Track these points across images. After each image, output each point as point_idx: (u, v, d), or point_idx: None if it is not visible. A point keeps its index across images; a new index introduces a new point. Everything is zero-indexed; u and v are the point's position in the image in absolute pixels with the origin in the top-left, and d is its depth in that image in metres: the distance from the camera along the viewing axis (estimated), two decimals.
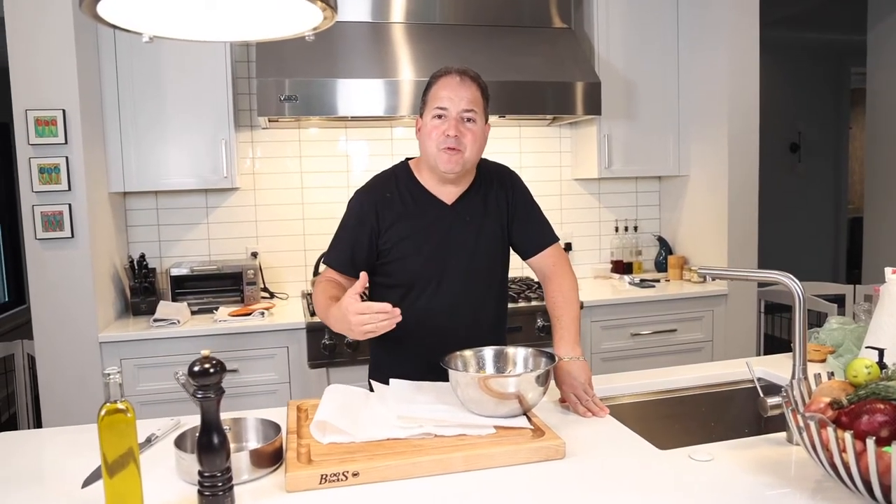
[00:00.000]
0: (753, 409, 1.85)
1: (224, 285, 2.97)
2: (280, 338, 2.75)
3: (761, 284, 3.36)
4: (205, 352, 1.13)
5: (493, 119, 3.25)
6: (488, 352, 1.56)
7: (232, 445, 1.32)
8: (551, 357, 1.49)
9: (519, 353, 1.55)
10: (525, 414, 1.42)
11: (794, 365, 1.35)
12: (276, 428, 1.33)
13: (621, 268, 3.65)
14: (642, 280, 3.39)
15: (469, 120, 1.66)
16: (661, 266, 3.67)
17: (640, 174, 3.49)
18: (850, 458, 1.02)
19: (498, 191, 1.81)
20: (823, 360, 1.91)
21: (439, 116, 1.65)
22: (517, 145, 3.54)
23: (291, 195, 3.29)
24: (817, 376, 1.29)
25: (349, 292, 1.45)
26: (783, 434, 1.39)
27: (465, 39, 3.12)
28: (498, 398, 1.39)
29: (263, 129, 3.21)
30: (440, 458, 1.24)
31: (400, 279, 1.76)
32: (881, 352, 1.34)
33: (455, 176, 1.71)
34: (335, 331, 1.55)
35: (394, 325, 1.42)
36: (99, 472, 1.28)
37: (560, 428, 1.42)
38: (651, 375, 1.86)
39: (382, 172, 1.83)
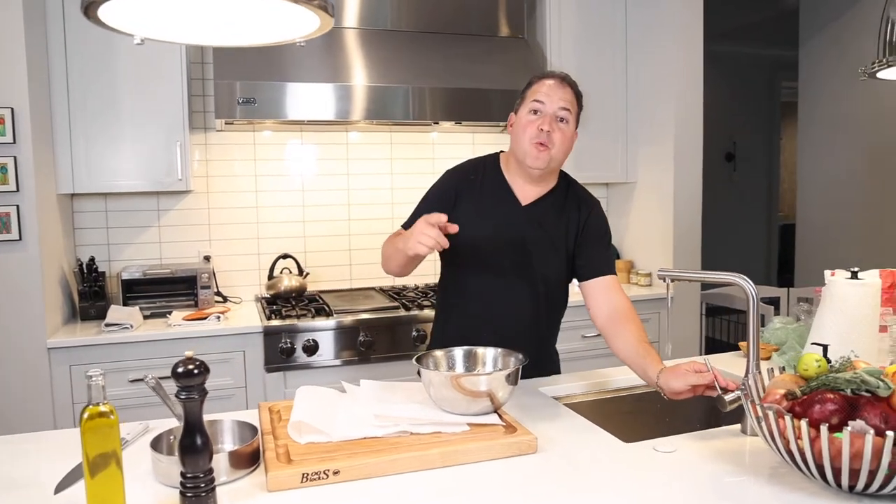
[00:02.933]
0: (705, 404, 1.95)
1: (177, 289, 2.92)
2: (236, 342, 2.72)
3: (704, 287, 3.51)
4: (188, 353, 1.13)
5: (446, 125, 3.31)
6: (458, 351, 1.61)
7: None
8: (520, 356, 1.54)
9: (488, 353, 1.60)
10: (496, 411, 1.47)
11: (748, 361, 1.44)
12: (253, 429, 1.34)
13: None
14: None
15: (562, 120, 1.72)
16: None
17: (590, 181, 3.58)
18: (805, 444, 1.10)
19: (576, 209, 1.84)
20: (768, 358, 2.02)
21: (535, 112, 1.71)
22: (471, 151, 3.58)
23: (245, 198, 3.27)
24: (770, 371, 1.38)
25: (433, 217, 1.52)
26: (738, 426, 1.48)
27: (420, 46, 3.16)
28: (470, 396, 1.43)
29: (218, 131, 3.18)
30: (418, 454, 1.27)
31: (462, 263, 1.81)
32: (825, 347, 1.43)
33: (540, 173, 1.76)
34: (399, 247, 1.64)
35: (440, 243, 1.50)
36: (71, 477, 1.27)
37: (528, 424, 1.47)
38: (609, 374, 1.93)
39: (475, 157, 1.92)
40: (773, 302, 4.12)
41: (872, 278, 1.66)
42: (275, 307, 2.94)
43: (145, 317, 2.83)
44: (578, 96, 1.78)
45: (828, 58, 4.20)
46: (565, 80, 1.76)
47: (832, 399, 1.14)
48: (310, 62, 2.89)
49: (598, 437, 1.44)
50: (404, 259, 1.68)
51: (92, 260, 2.88)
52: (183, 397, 1.11)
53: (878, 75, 1.48)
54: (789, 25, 5.33)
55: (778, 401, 1.21)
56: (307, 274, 3.25)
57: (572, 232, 1.83)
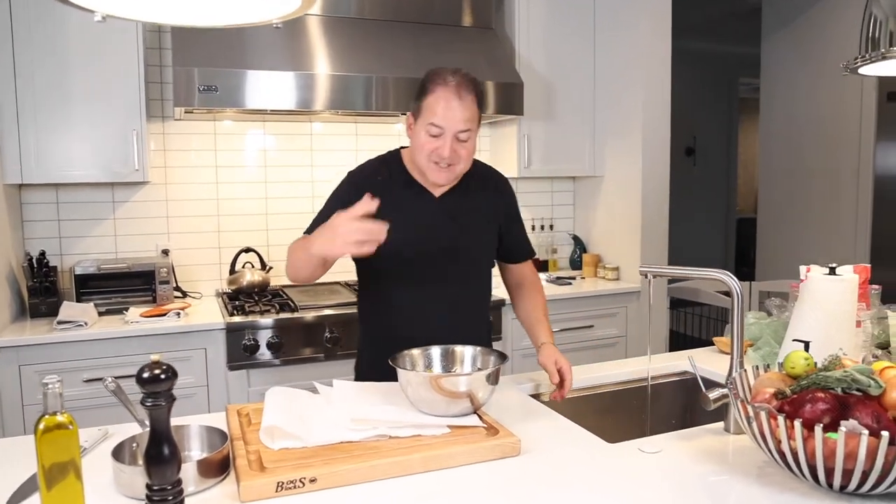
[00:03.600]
0: (681, 400, 1.94)
1: (134, 284, 2.80)
2: (197, 339, 2.62)
3: (670, 282, 3.52)
4: (154, 356, 1.05)
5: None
6: (436, 350, 1.55)
7: None
8: (501, 355, 1.49)
9: (467, 352, 1.55)
10: (476, 412, 1.42)
11: (732, 358, 1.42)
12: (222, 435, 1.27)
13: (538, 265, 3.72)
14: (558, 277, 3.48)
15: (463, 140, 1.63)
16: (575, 264, 3.77)
17: (557, 174, 3.58)
18: (798, 444, 1.08)
19: (494, 194, 1.83)
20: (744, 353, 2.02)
21: (434, 135, 1.61)
22: None
23: (205, 190, 3.15)
24: (756, 369, 1.36)
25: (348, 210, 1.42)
26: (720, 424, 1.46)
27: (386, 35, 3.08)
28: (449, 397, 1.38)
29: (176, 120, 3.06)
30: (398, 459, 1.22)
31: (383, 267, 1.71)
32: (807, 344, 1.42)
33: (443, 186, 1.73)
34: (313, 252, 1.48)
35: (380, 239, 1.40)
36: (25, 489, 1.18)
37: (509, 425, 1.42)
38: (583, 372, 1.90)
39: (375, 157, 1.82)
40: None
41: (849, 274, 1.65)
42: (237, 303, 2.84)
43: (100, 313, 2.70)
44: (479, 98, 1.67)
45: (789, 54, 4.25)
46: (465, 89, 1.61)
47: (823, 398, 1.13)
48: (272, 49, 2.79)
49: (581, 438, 1.41)
50: (317, 263, 1.58)
51: (42, 254, 2.74)
52: (149, 404, 1.03)
53: (860, 71, 1.47)
54: (749, 23, 5.40)
55: (767, 400, 1.19)
56: (270, 268, 3.16)
57: (491, 213, 1.81)
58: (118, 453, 1.19)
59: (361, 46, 2.99)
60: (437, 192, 1.75)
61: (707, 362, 1.93)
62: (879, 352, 1.83)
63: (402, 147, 1.82)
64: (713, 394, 1.39)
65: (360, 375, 1.85)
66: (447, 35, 3.21)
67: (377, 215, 1.66)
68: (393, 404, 1.45)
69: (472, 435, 1.33)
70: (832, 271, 1.63)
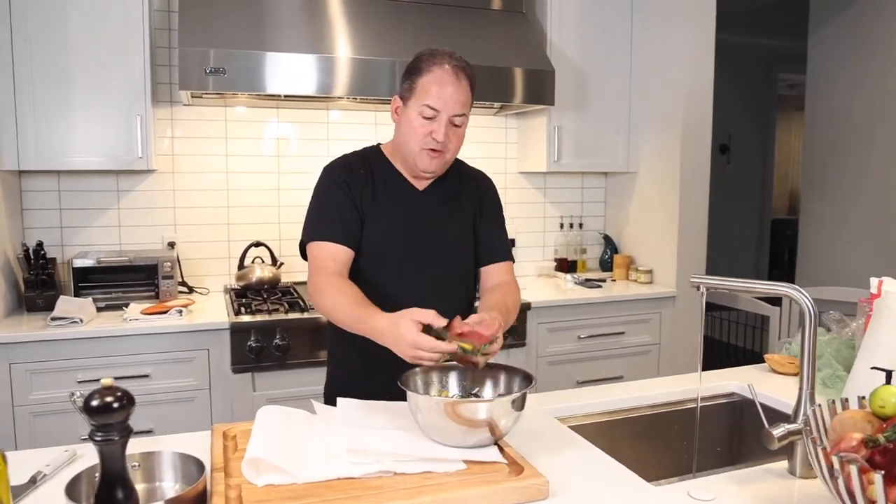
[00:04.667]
0: (728, 425, 1.73)
1: (136, 279, 2.64)
2: (200, 339, 2.45)
3: None
4: (106, 381, 0.87)
5: None
6: (453, 369, 1.35)
7: (142, 486, 1.07)
8: (526, 377, 1.29)
9: (488, 372, 1.35)
10: (496, 443, 1.22)
11: (801, 390, 1.20)
12: (199, 465, 1.08)
13: (566, 266, 3.51)
14: (587, 279, 3.26)
15: (457, 125, 1.55)
16: (605, 265, 3.55)
17: (588, 169, 3.35)
18: None
19: (473, 189, 1.73)
20: (798, 374, 1.79)
21: (428, 117, 1.52)
22: None
23: (215, 180, 2.98)
24: (831, 404, 1.14)
25: (417, 315, 1.28)
26: (782, 464, 1.24)
27: (410, 17, 2.88)
28: (467, 426, 1.18)
29: (185, 105, 2.89)
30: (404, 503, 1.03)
31: (368, 262, 1.61)
32: (889, 374, 1.20)
33: (432, 176, 1.63)
34: (363, 331, 1.40)
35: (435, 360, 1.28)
36: None
37: (533, 458, 1.22)
38: (617, 392, 1.69)
39: (352, 152, 1.70)
40: (775, 302, 3.93)
41: None
42: (244, 300, 2.67)
43: (99, 309, 2.55)
44: (473, 84, 1.58)
45: (838, 48, 3.97)
46: (461, 71, 1.54)
47: None
48: (288, 30, 2.61)
49: (618, 476, 1.20)
50: (358, 332, 1.44)
51: (40, 245, 2.59)
52: (99, 439, 0.85)
53: None
54: (790, 15, 5.11)
55: (855, 448, 0.97)
56: (281, 264, 2.98)
57: (472, 212, 1.71)
58: (73, 489, 1.00)
59: (384, 29, 2.79)
60: (421, 186, 1.66)
61: (760, 384, 1.70)
62: None
63: (378, 143, 1.73)
64: (777, 431, 1.17)
65: (335, 388, 1.65)
66: (475, 18, 3.00)
67: (365, 209, 1.59)
68: (402, 429, 1.26)
69: (492, 473, 1.13)
70: None
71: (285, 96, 2.72)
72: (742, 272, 6.75)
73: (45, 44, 2.44)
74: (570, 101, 3.16)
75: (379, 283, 1.58)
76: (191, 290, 2.89)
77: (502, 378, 1.33)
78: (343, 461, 1.13)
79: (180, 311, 2.50)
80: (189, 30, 2.44)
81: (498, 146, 3.42)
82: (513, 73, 2.82)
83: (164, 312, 2.48)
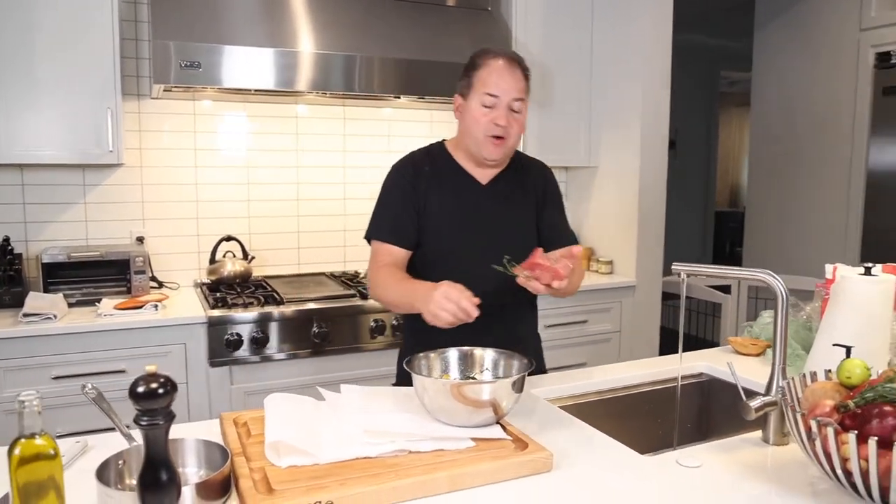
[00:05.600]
0: (697, 403, 1.85)
1: (108, 274, 2.62)
2: (176, 333, 2.46)
3: (665, 274, 3.44)
4: (150, 368, 0.91)
5: (404, 101, 3.10)
6: (453, 353, 1.43)
7: None
8: (524, 360, 1.37)
9: (487, 356, 1.43)
10: (498, 422, 1.30)
11: (774, 364, 1.32)
12: (222, 451, 1.12)
13: None
14: None
15: (516, 110, 1.65)
16: None
17: (551, 163, 3.38)
18: (872, 463, 0.98)
19: (536, 178, 1.82)
20: (761, 354, 1.93)
21: (489, 105, 1.62)
22: (428, 129, 3.41)
23: (183, 174, 2.97)
24: (802, 377, 1.26)
25: (459, 287, 1.40)
26: (756, 434, 1.36)
27: (377, 12, 2.92)
28: (472, 406, 1.25)
29: (153, 99, 2.87)
30: (423, 479, 1.09)
31: (434, 257, 1.71)
32: (849, 349, 1.33)
33: (496, 163, 1.72)
34: (411, 309, 1.51)
35: (463, 319, 1.38)
36: None
37: (533, 436, 1.30)
38: (596, 374, 1.79)
39: (418, 150, 1.82)
40: (724, 289, 4.13)
41: (885, 275, 1.57)
42: (218, 295, 2.68)
43: (70, 305, 2.52)
44: (527, 75, 1.70)
45: (782, 47, 4.19)
46: (515, 63, 1.66)
47: (893, 412, 1.03)
48: (255, 24, 2.62)
49: (612, 449, 1.30)
50: (409, 311, 1.57)
51: (6, 240, 2.55)
52: (145, 424, 0.89)
53: None
54: (734, 16, 5.34)
55: (828, 413, 1.09)
56: (252, 258, 2.99)
57: (535, 201, 1.80)
58: (103, 474, 1.04)
59: (353, 24, 2.83)
60: (485, 180, 1.75)
61: (725, 365, 1.83)
62: None
63: (443, 140, 1.83)
64: (755, 402, 1.29)
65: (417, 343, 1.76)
66: (441, 15, 3.06)
67: (431, 204, 1.69)
68: (408, 412, 1.33)
69: (499, 449, 1.21)
70: (867, 271, 1.54)
71: (254, 91, 2.73)
72: (687, 262, 7.01)
73: (9, 37, 2.39)
74: (534, 97, 3.22)
75: (441, 273, 1.61)
76: (161, 284, 2.88)
77: (502, 361, 1.41)
78: (359, 442, 1.19)
79: (155, 306, 2.50)
80: (163, 22, 2.43)
81: None
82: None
83: (139, 307, 2.47)
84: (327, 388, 1.44)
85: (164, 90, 2.69)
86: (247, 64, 2.50)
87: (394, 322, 2.69)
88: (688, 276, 1.38)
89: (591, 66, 3.40)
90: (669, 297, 4.70)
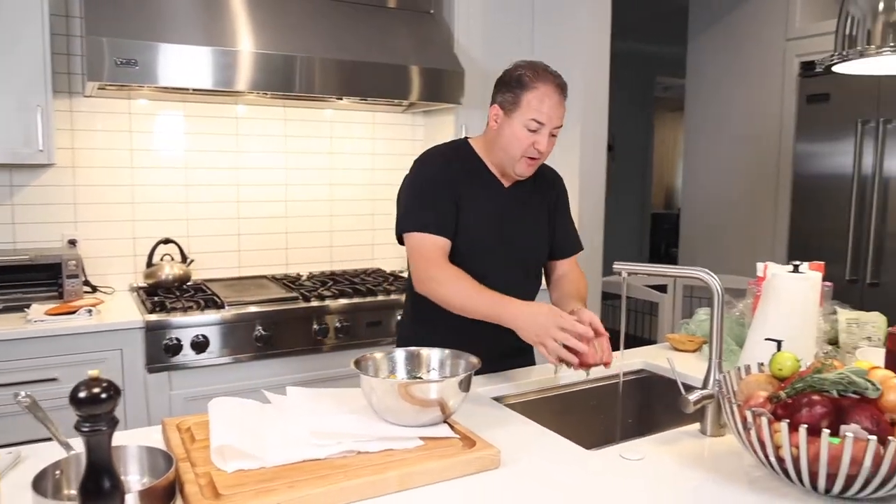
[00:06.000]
0: (637, 399, 1.90)
1: (38, 279, 2.51)
2: (112, 339, 2.38)
3: (605, 274, 3.52)
4: (93, 372, 0.88)
5: (345, 102, 3.09)
6: (400, 354, 1.43)
7: None
8: (471, 360, 1.39)
9: (433, 355, 1.44)
10: (446, 421, 1.31)
11: (711, 359, 1.37)
12: (166, 457, 1.10)
13: None
14: None
15: (554, 136, 1.70)
16: None
17: None
18: (803, 450, 1.03)
19: (549, 187, 1.88)
20: (697, 350, 2.00)
21: (533, 130, 1.65)
22: (370, 131, 3.40)
23: (118, 175, 2.88)
24: (737, 370, 1.31)
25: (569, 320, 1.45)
26: (695, 426, 1.41)
27: (319, 14, 2.90)
28: (419, 406, 1.26)
29: (86, 97, 2.77)
30: (372, 479, 1.09)
31: (456, 254, 1.71)
32: (779, 343, 1.39)
33: (524, 178, 1.76)
34: (495, 320, 1.53)
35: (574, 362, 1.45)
36: None
37: (480, 434, 1.32)
38: (535, 373, 1.82)
39: (442, 145, 1.84)
40: (661, 289, 4.25)
41: (808, 272, 1.65)
42: (156, 299, 2.61)
43: None
44: (566, 96, 1.75)
45: (714, 55, 4.35)
46: (563, 91, 1.71)
47: (820, 401, 1.08)
48: (193, 22, 2.56)
49: (557, 445, 1.32)
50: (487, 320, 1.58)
51: None
52: (86, 430, 0.86)
53: (835, 69, 1.46)
54: (669, 24, 5.51)
55: (762, 404, 1.14)
56: (191, 261, 2.93)
57: (549, 208, 1.87)
58: (40, 484, 1.00)
59: (294, 25, 2.80)
60: (507, 183, 1.79)
61: (664, 361, 1.89)
62: (829, 348, 1.85)
63: (467, 138, 1.85)
64: (693, 396, 1.34)
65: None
66: (383, 16, 3.06)
67: (461, 200, 1.69)
68: (355, 413, 1.33)
69: (447, 448, 1.22)
70: (796, 269, 1.61)
71: (192, 90, 2.68)
72: (625, 262, 7.19)
73: None
74: (477, 99, 3.27)
75: (465, 268, 1.66)
76: (94, 289, 2.79)
77: (448, 361, 1.42)
78: (307, 443, 1.18)
79: (90, 311, 2.41)
80: (97, 18, 2.36)
81: (405, 143, 3.50)
82: (420, 73, 2.91)
83: (72, 313, 2.39)
84: (272, 392, 1.42)
85: (99, 88, 2.61)
86: (185, 62, 2.45)
87: (337, 325, 2.67)
88: (629, 274, 1.42)
89: None
90: (609, 297, 4.81)
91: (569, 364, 1.46)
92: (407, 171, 1.83)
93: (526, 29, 3.40)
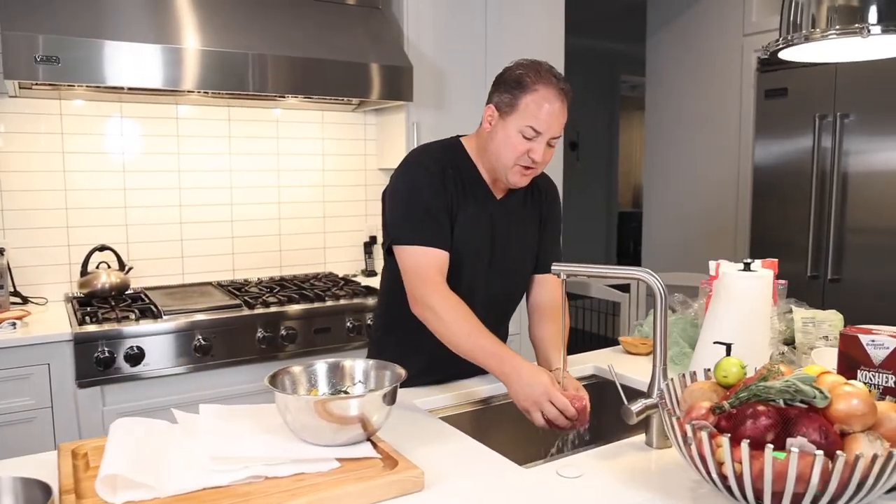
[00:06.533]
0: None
1: None
2: (38, 353, 2.24)
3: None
4: None
5: (293, 101, 2.97)
6: (321, 366, 1.32)
7: None
8: (397, 371, 1.29)
9: (357, 367, 1.33)
10: (369, 439, 1.21)
11: (655, 366, 1.28)
12: (45, 489, 0.98)
13: None
14: None
15: (552, 146, 1.55)
16: None
17: None
18: (745, 466, 0.94)
19: (544, 199, 1.75)
20: (649, 353, 1.92)
21: (529, 137, 1.50)
22: (320, 131, 3.28)
23: (50, 180, 2.73)
24: (682, 377, 1.23)
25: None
26: (641, 437, 1.32)
27: (268, 10, 2.78)
28: (338, 423, 1.15)
29: (11, 97, 2.62)
30: None
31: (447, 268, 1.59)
32: (729, 347, 1.31)
33: (517, 188, 1.62)
34: (497, 370, 1.43)
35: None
36: None
37: (408, 452, 1.22)
38: (476, 383, 1.72)
39: (434, 144, 1.68)
40: (625, 289, 4.18)
41: (761, 270, 1.57)
42: (89, 309, 2.47)
43: None
44: (569, 104, 1.59)
45: (673, 52, 4.30)
46: (565, 96, 1.54)
47: (766, 412, 1.00)
48: (130, 17, 2.43)
49: (490, 462, 1.22)
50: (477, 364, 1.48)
51: None
52: None
53: (780, 55, 1.39)
54: (632, 21, 5.47)
55: (704, 416, 1.05)
56: (130, 269, 2.78)
57: (539, 222, 1.75)
58: None
59: (237, 21, 2.67)
60: (499, 194, 1.66)
61: (616, 365, 1.80)
62: (786, 348, 1.78)
63: (459, 136, 1.70)
64: (636, 406, 1.25)
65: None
66: (331, 13, 2.95)
67: (454, 209, 1.57)
68: (270, 432, 1.21)
69: (366, 469, 1.11)
70: (747, 267, 1.54)
71: (128, 89, 2.55)
72: (593, 261, 7.16)
73: None
74: (429, 97, 3.19)
75: (452, 284, 1.54)
76: (25, 300, 2.63)
77: (373, 373, 1.31)
78: (208, 469, 1.07)
79: (14, 324, 2.27)
80: (13, 12, 2.21)
81: (357, 143, 3.39)
82: (370, 69, 2.80)
83: None
84: (211, 404, 1.30)
85: (22, 87, 2.46)
86: (116, 60, 2.31)
87: (283, 332, 2.56)
88: (567, 276, 1.33)
89: (486, 66, 3.36)
90: (572, 297, 4.75)
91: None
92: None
93: (479, 24, 3.31)
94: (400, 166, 1.63)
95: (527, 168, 1.54)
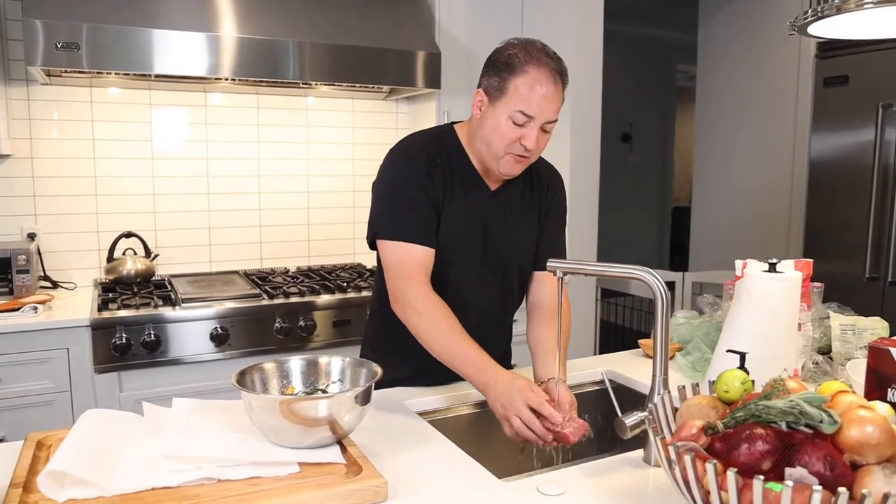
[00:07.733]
0: (599, 413, 1.70)
1: None
2: (58, 337, 2.25)
3: None
4: None
5: (325, 89, 2.93)
6: (295, 363, 1.26)
7: None
8: (372, 369, 1.21)
9: (334, 365, 1.26)
10: (339, 442, 1.14)
11: (654, 376, 1.17)
12: None
13: None
14: None
15: (547, 130, 1.43)
16: None
17: None
18: (732, 496, 0.83)
19: (543, 190, 1.62)
20: (671, 358, 1.79)
21: (519, 123, 1.39)
22: (350, 119, 3.23)
23: (81, 166, 2.75)
24: (681, 389, 1.11)
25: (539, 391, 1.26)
26: (640, 452, 1.21)
27: None
28: (304, 425, 1.08)
29: (42, 84, 2.65)
30: None
31: (434, 265, 1.50)
32: (742, 356, 1.19)
33: (510, 177, 1.51)
34: (471, 380, 1.34)
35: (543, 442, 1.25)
36: None
37: (383, 456, 1.15)
38: (463, 386, 1.62)
39: (426, 132, 1.58)
40: (670, 286, 4.00)
41: (790, 271, 1.43)
42: (111, 295, 2.48)
43: None
44: (566, 85, 1.47)
45: (726, 41, 4.08)
46: (559, 77, 1.42)
47: (763, 436, 0.88)
48: (156, 4, 2.42)
49: (468, 473, 1.13)
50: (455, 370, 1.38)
51: None
52: None
53: (809, 30, 1.24)
54: (687, 8, 5.24)
55: (695, 436, 0.94)
56: (156, 256, 2.79)
57: (539, 214, 1.63)
58: None
59: (268, 7, 2.63)
60: (493, 186, 1.55)
61: (630, 369, 1.68)
62: (820, 358, 1.62)
63: (452, 123, 1.60)
64: (630, 419, 1.14)
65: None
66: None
67: (441, 203, 1.48)
68: (240, 430, 1.15)
69: (327, 475, 1.04)
70: (772, 268, 1.40)
71: (156, 76, 2.54)
72: (644, 258, 6.92)
73: None
74: (461, 85, 3.09)
75: (441, 288, 1.46)
76: (55, 285, 2.67)
77: (348, 370, 1.24)
78: (161, 468, 1.01)
79: (35, 308, 2.29)
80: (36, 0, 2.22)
81: (388, 132, 3.32)
82: (402, 55, 2.72)
83: (16, 310, 2.27)
84: (185, 398, 1.26)
85: (52, 75, 2.48)
86: (134, 46, 2.30)
87: (301, 323, 2.51)
88: (564, 273, 1.22)
89: None
90: (612, 295, 4.59)
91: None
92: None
93: (514, 8, 3.19)
94: (386, 156, 1.54)
95: (519, 157, 1.43)
